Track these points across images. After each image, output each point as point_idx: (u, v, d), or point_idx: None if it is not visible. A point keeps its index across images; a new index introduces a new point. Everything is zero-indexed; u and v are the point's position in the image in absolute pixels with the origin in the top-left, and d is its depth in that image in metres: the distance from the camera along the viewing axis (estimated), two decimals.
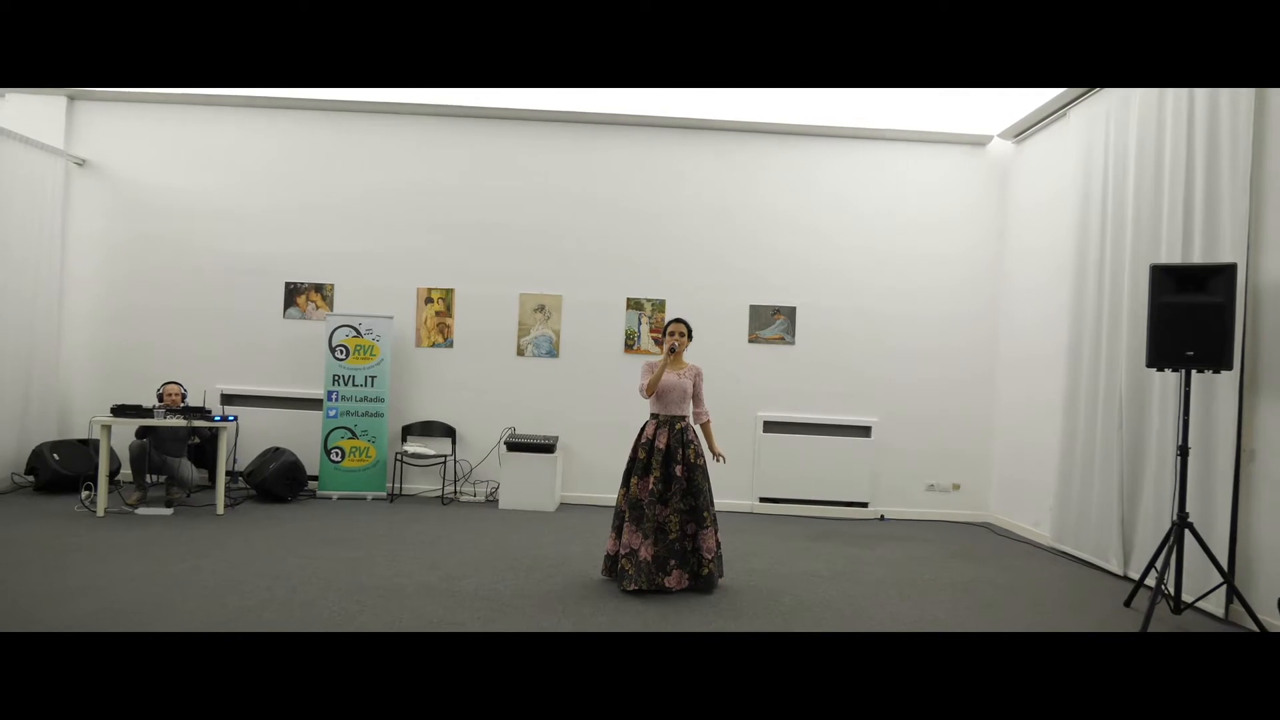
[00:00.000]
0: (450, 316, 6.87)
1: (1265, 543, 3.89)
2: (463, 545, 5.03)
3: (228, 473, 5.82)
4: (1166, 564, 3.91)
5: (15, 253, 6.16)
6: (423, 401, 6.86)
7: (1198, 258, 4.31)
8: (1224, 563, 3.97)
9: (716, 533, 4.22)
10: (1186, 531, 3.90)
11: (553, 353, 6.88)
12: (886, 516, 6.71)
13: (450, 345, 6.88)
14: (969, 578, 4.78)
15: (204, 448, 6.10)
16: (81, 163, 6.79)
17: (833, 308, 6.85)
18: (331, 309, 6.80)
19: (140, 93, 6.73)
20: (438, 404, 6.85)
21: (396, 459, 6.67)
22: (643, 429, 4.31)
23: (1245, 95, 4.07)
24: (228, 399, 6.67)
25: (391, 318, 6.63)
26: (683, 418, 4.28)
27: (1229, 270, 3.78)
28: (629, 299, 6.88)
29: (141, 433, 5.73)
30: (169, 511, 5.50)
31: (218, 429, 5.63)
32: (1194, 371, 3.95)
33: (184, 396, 5.89)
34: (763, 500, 6.74)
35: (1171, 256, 4.51)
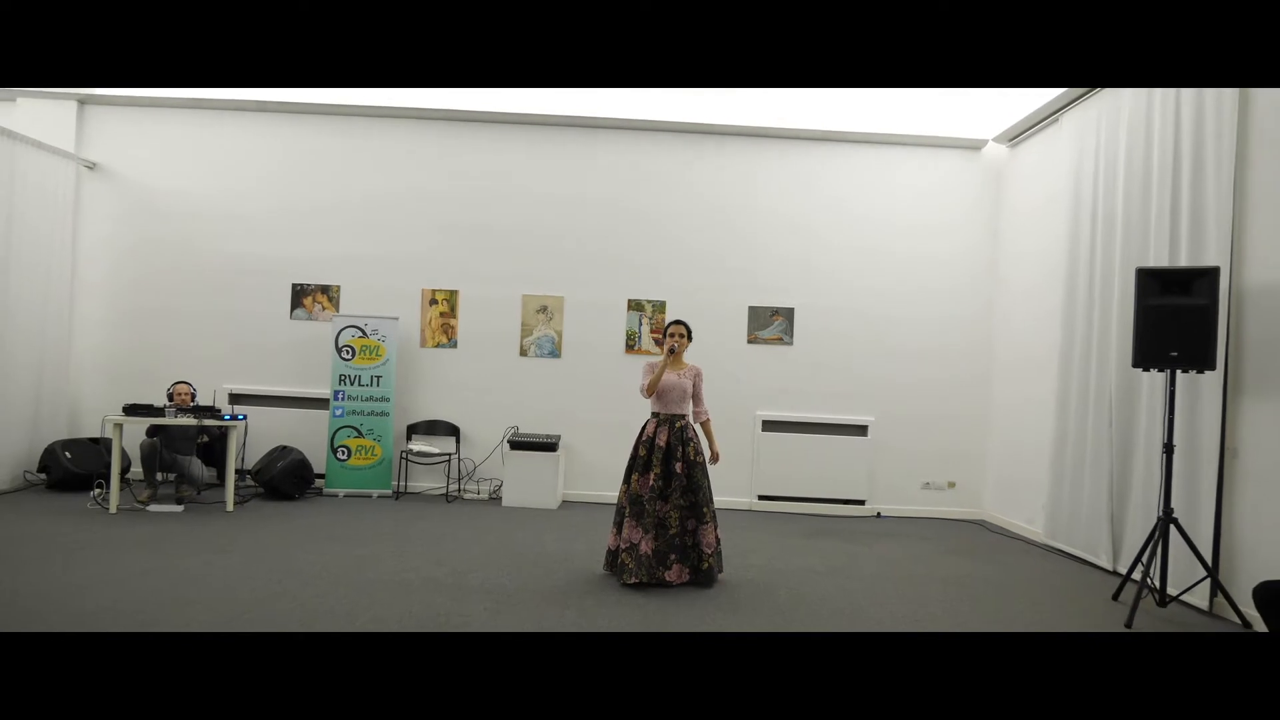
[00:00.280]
0: (454, 317, 7.00)
1: (1247, 537, 4.00)
2: (467, 542, 5.15)
3: (236, 471, 5.93)
4: (1152, 558, 4.02)
5: (27, 254, 6.27)
6: (427, 401, 6.98)
7: (1184, 261, 4.43)
8: (1208, 557, 4.09)
9: (716, 528, 4.35)
10: (1171, 527, 4.02)
11: (555, 353, 7.00)
12: (883, 514, 6.83)
13: (454, 346, 7.00)
14: (963, 574, 4.90)
15: (213, 446, 6.22)
16: (92, 166, 6.91)
17: (830, 309, 6.96)
18: (338, 310, 6.92)
19: (149, 97, 6.84)
20: (442, 403, 6.97)
21: (402, 457, 6.79)
22: (644, 427, 4.43)
23: (1229, 102, 4.19)
24: (235, 399, 6.79)
25: (397, 319, 6.75)
26: (682, 416, 4.40)
27: (1212, 274, 3.90)
28: (630, 300, 7.00)
29: (152, 431, 5.86)
30: (180, 509, 5.62)
31: (227, 428, 5.75)
32: (1179, 372, 4.07)
33: (193, 396, 6.01)
34: (761, 498, 6.86)
35: (1159, 260, 4.63)
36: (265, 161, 6.97)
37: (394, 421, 6.73)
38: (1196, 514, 4.23)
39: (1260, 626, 3.38)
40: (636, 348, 6.98)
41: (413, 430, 6.92)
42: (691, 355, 4.69)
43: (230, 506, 5.71)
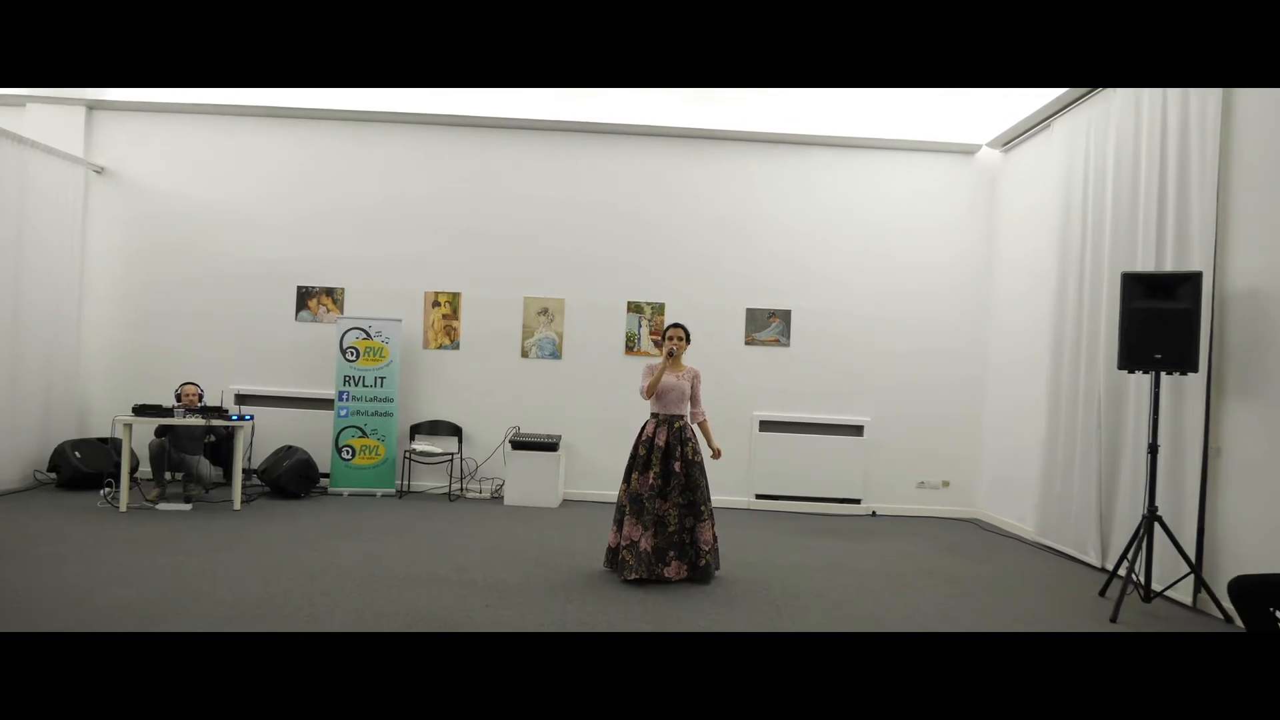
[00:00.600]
0: (457, 319, 7.11)
1: (1230, 534, 4.12)
2: (470, 539, 5.27)
3: (243, 470, 6.04)
4: (1137, 555, 4.14)
5: (38, 258, 6.38)
6: (430, 401, 7.09)
7: (1170, 266, 4.54)
8: (1192, 554, 4.21)
9: (713, 526, 4.46)
10: (1156, 524, 4.14)
11: (556, 354, 7.12)
12: (878, 513, 6.95)
13: (457, 347, 7.12)
14: (954, 570, 5.01)
15: (219, 446, 6.32)
16: (100, 170, 7.02)
17: (827, 311, 7.08)
18: (342, 312, 7.03)
19: (156, 102, 6.95)
20: (445, 404, 7.09)
21: (405, 457, 6.90)
22: (643, 427, 4.55)
23: (1212, 111, 4.30)
24: (242, 399, 6.91)
25: (400, 321, 6.86)
26: (681, 417, 4.52)
27: (1195, 278, 4.02)
28: (629, 302, 7.11)
29: (160, 431, 5.96)
30: (188, 507, 5.73)
31: (234, 428, 5.86)
32: (1163, 374, 4.19)
33: (201, 397, 6.12)
34: (759, 497, 6.98)
35: (1146, 265, 4.75)
36: (271, 166, 7.08)
37: (397, 422, 6.84)
38: (1181, 512, 4.35)
39: (1240, 621, 3.49)
40: (636, 349, 7.09)
41: (416, 430, 7.03)
42: (690, 357, 4.80)
43: (237, 505, 5.82)
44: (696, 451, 4.51)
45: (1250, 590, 2.90)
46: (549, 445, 6.63)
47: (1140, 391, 4.77)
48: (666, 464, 4.40)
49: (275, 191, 7.08)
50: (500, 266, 7.09)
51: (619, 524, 4.45)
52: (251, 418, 6.10)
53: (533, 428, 7.00)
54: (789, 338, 7.11)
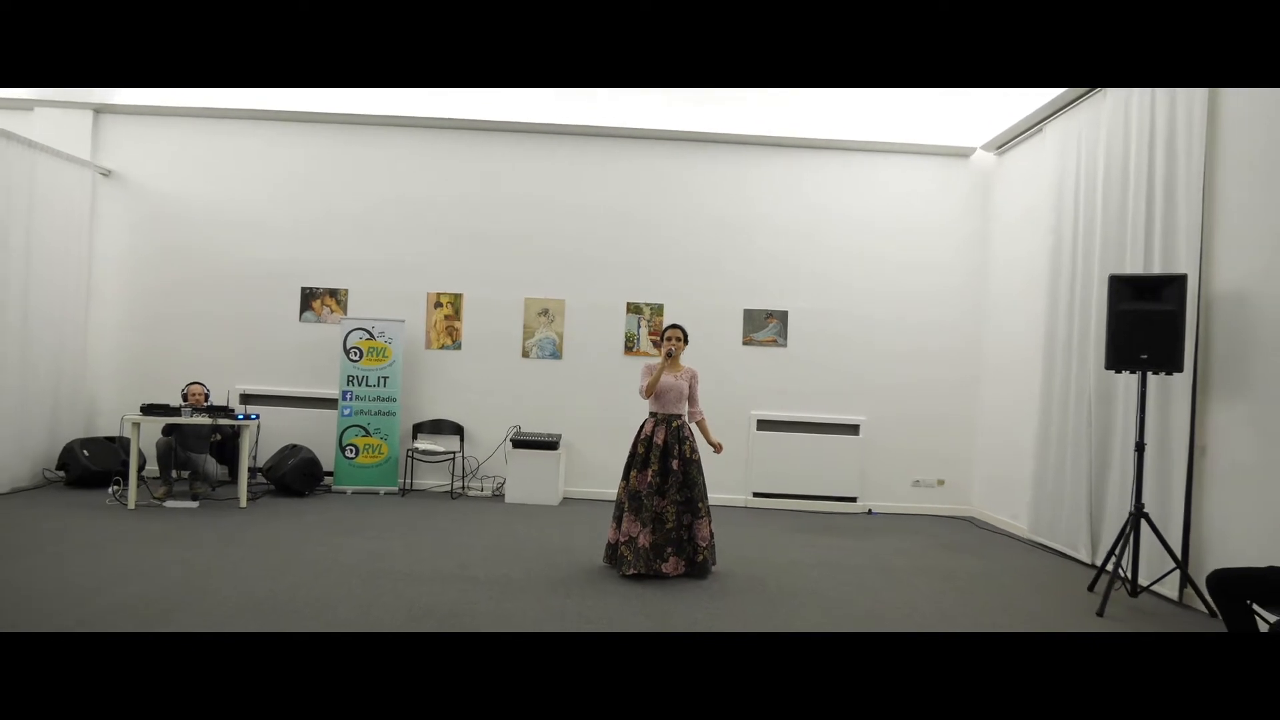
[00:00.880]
0: (458, 320, 7.21)
1: (1215, 531, 4.22)
2: (472, 536, 5.37)
3: (248, 469, 6.14)
4: (1124, 551, 4.24)
5: (46, 260, 6.48)
6: (432, 401, 7.20)
7: (1158, 268, 4.64)
8: (1178, 550, 4.30)
9: (710, 523, 4.56)
10: (1143, 521, 4.24)
11: (556, 354, 7.22)
12: (874, 511, 7.05)
13: (458, 347, 7.22)
14: (947, 567, 5.11)
15: (225, 445, 6.43)
16: (107, 173, 7.12)
17: (824, 311, 7.18)
18: (346, 313, 7.13)
19: (162, 106, 7.05)
20: (447, 403, 7.19)
21: (408, 456, 7.01)
22: (642, 426, 4.65)
23: (1199, 115, 4.40)
24: (247, 399, 7.01)
25: (403, 321, 6.96)
26: (679, 416, 4.62)
27: (1180, 280, 4.12)
28: (629, 303, 7.21)
29: (167, 430, 6.07)
30: (195, 505, 5.83)
31: (240, 427, 5.97)
32: (1149, 374, 4.29)
33: (207, 396, 6.22)
34: (756, 495, 7.08)
35: (1135, 267, 4.84)
36: (275, 169, 7.18)
37: (400, 421, 6.94)
38: (1168, 509, 4.45)
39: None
40: (635, 349, 7.19)
41: (418, 429, 7.13)
42: (688, 357, 4.90)
43: (243, 503, 5.92)
44: (694, 450, 4.61)
45: (1228, 584, 3.01)
46: (549, 444, 6.73)
47: (1129, 391, 4.86)
48: (665, 462, 4.50)
49: (279, 194, 7.18)
50: (501, 268, 7.19)
51: (618, 521, 4.55)
52: (257, 417, 6.19)
53: (533, 427, 7.10)
54: (786, 338, 7.20)
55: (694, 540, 4.50)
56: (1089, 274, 5.38)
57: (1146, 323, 4.18)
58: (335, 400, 6.91)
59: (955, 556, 5.43)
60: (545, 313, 7.22)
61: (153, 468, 6.40)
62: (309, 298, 7.19)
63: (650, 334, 7.18)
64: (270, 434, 6.84)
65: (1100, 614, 4.06)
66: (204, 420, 5.84)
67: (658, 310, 7.20)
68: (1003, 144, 6.85)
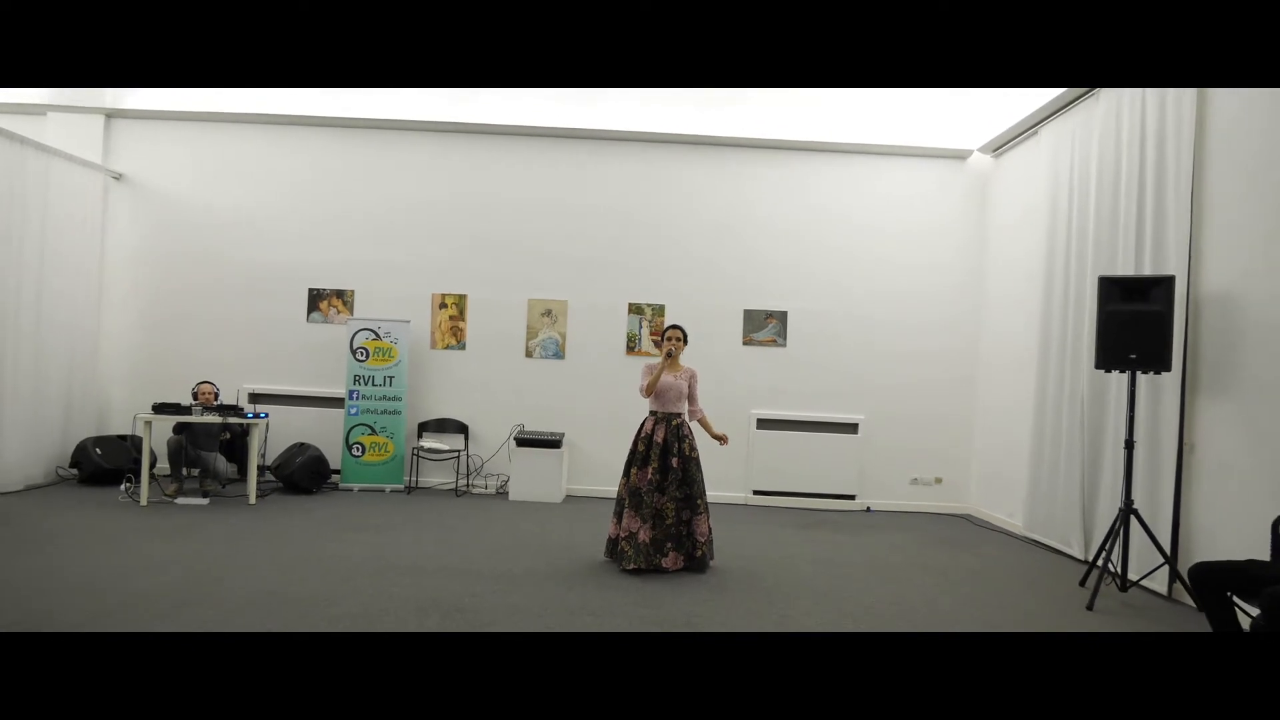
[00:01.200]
0: (463, 320, 7.33)
1: (1203, 527, 4.31)
2: (477, 532, 5.48)
3: (257, 466, 6.26)
4: (1113, 547, 4.33)
5: (59, 262, 6.61)
6: (437, 400, 7.32)
7: (1149, 270, 4.73)
8: (1168, 546, 4.40)
9: (708, 519, 4.67)
10: (1132, 517, 4.33)
11: (559, 354, 7.33)
12: (872, 508, 7.14)
13: (463, 347, 7.34)
14: (943, 563, 5.21)
15: (234, 443, 6.55)
16: (119, 176, 7.25)
17: (823, 312, 7.28)
18: (352, 314, 7.26)
19: (172, 110, 7.18)
20: (451, 402, 7.31)
21: (413, 454, 7.12)
22: (642, 424, 4.76)
23: (1188, 119, 4.49)
24: (255, 398, 7.13)
25: (408, 322, 7.08)
26: (679, 414, 4.73)
27: (1168, 282, 4.21)
28: (630, 304, 7.32)
29: (178, 429, 6.19)
30: (205, 501, 5.95)
31: (249, 425, 6.09)
32: (1138, 373, 4.38)
33: (217, 395, 6.35)
34: (756, 493, 7.18)
35: (1126, 268, 4.93)
36: (283, 172, 7.31)
37: (406, 420, 7.06)
38: (1158, 505, 4.54)
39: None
40: (637, 349, 7.30)
41: (423, 428, 7.25)
42: (689, 357, 5.01)
43: (252, 500, 6.05)
44: (693, 448, 4.71)
45: (1208, 576, 3.11)
46: (552, 442, 6.84)
47: (1120, 391, 4.94)
48: (665, 460, 4.61)
49: (287, 197, 7.31)
50: (505, 269, 7.31)
51: (619, 516, 4.66)
52: (266, 416, 6.32)
53: (536, 425, 7.21)
54: (786, 338, 7.31)
55: (693, 536, 4.61)
56: (1082, 275, 5.47)
57: (1135, 323, 4.27)
58: (342, 399, 7.03)
59: (951, 553, 5.53)
60: (548, 313, 7.33)
61: (164, 465, 6.53)
62: (316, 299, 7.31)
63: (652, 334, 7.28)
64: (278, 433, 6.96)
65: (1090, 608, 4.16)
66: (214, 419, 5.97)
67: (659, 311, 7.31)
68: (999, 147, 6.94)
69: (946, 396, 7.25)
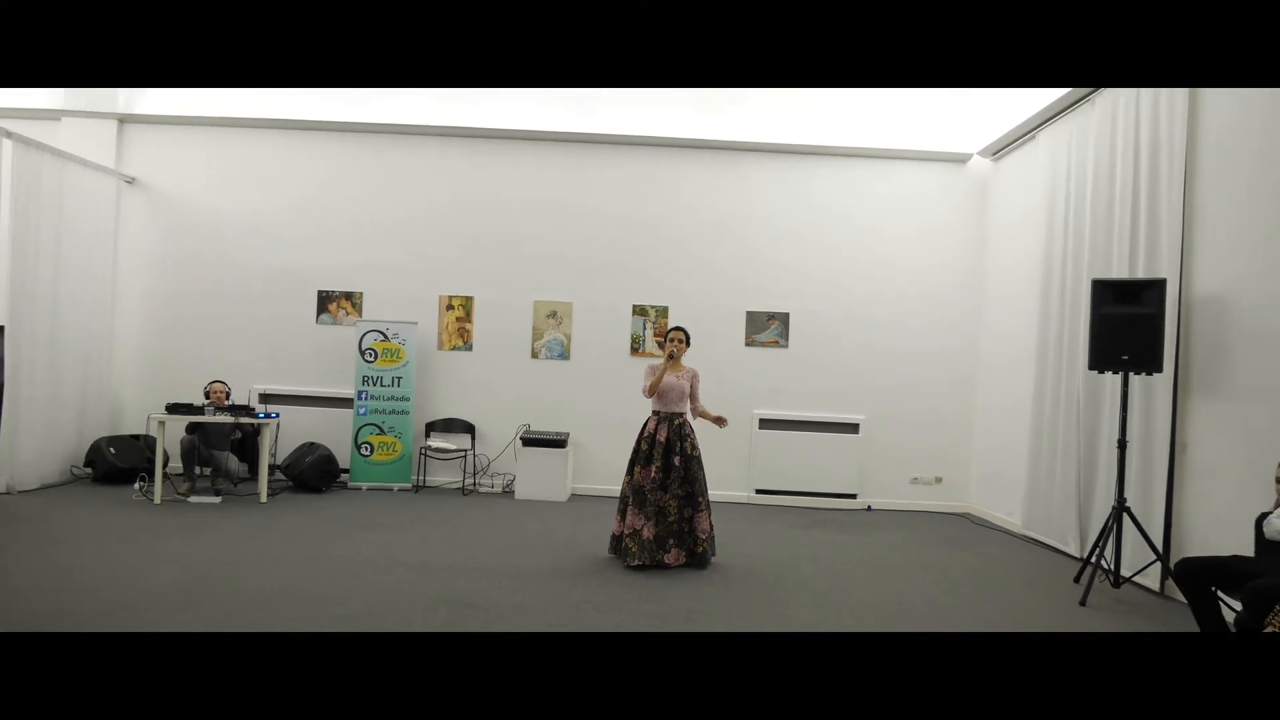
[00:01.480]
0: (470, 322, 7.45)
1: (1194, 524, 4.40)
2: (483, 530, 5.59)
3: (268, 466, 6.38)
4: (1107, 544, 4.42)
5: (74, 265, 6.73)
6: (445, 400, 7.43)
7: (1142, 273, 4.81)
8: (1160, 543, 4.49)
9: (710, 516, 4.78)
10: (1125, 515, 4.42)
11: (564, 355, 7.44)
12: (873, 508, 7.23)
13: (470, 348, 7.45)
14: (941, 561, 5.30)
15: (245, 443, 6.68)
16: (131, 181, 7.39)
17: (824, 313, 7.38)
18: (361, 315, 7.38)
19: (184, 115, 7.31)
20: (458, 403, 7.43)
21: (421, 453, 7.24)
22: (645, 424, 4.86)
23: (1180, 126, 4.58)
24: (266, 398, 7.25)
25: (416, 323, 7.20)
26: (681, 414, 4.83)
27: (1159, 285, 4.30)
28: (634, 305, 7.43)
29: (191, 429, 6.32)
30: (217, 500, 6.08)
31: (260, 425, 6.21)
32: (1131, 374, 4.47)
33: (228, 394, 6.47)
34: (758, 492, 7.28)
35: (1120, 271, 5.02)
36: (293, 176, 7.43)
37: (413, 419, 7.18)
38: (1150, 503, 4.63)
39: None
40: (640, 350, 7.40)
41: (431, 428, 7.37)
42: (691, 358, 5.11)
43: (264, 498, 6.17)
44: (695, 447, 4.82)
45: (1195, 570, 3.20)
46: (558, 442, 6.95)
47: (1115, 391, 5.03)
48: (667, 458, 4.72)
49: (297, 200, 7.43)
50: (511, 271, 7.42)
51: (622, 514, 4.77)
52: (277, 416, 6.44)
53: (542, 425, 7.32)
54: (788, 339, 7.40)
55: (694, 532, 4.71)
56: (1078, 277, 5.56)
57: (1128, 325, 4.36)
58: (351, 400, 7.15)
59: (950, 551, 5.62)
60: (554, 315, 7.44)
61: (176, 465, 6.65)
62: (325, 301, 7.43)
63: (655, 335, 7.39)
64: (288, 432, 7.09)
65: (1083, 604, 4.25)
66: (226, 419, 6.09)
67: (662, 312, 7.41)
68: (998, 150, 7.03)
69: (947, 396, 7.34)
